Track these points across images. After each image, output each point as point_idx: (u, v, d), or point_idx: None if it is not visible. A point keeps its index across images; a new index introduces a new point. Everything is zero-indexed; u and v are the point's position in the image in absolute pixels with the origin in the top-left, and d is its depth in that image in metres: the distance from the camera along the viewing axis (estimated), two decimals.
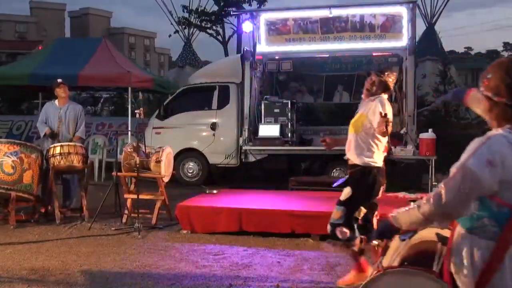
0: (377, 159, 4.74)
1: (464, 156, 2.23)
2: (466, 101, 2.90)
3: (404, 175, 10.97)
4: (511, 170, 2.14)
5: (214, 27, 26.80)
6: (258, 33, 11.45)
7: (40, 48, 16.73)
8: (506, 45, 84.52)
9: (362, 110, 4.82)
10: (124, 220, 7.49)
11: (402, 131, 10.20)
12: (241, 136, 11.08)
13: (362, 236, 4.63)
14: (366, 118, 4.72)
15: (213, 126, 11.51)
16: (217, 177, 11.96)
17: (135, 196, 7.12)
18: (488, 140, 2.20)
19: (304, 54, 11.70)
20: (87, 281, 5.00)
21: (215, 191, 8.46)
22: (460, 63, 53.94)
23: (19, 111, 17.63)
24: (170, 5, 26.06)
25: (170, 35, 26.76)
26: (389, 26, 10.78)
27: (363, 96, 4.90)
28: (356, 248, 4.65)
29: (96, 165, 12.27)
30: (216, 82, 11.76)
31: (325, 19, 11.09)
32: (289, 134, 10.99)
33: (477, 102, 2.58)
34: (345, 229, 4.63)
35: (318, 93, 12.89)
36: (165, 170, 7.57)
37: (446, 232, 2.48)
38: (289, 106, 11.09)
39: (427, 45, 16.98)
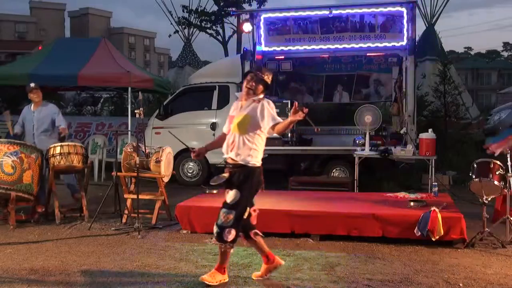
0: (260, 160, 4.91)
1: None
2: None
3: (404, 175, 10.99)
4: None
5: (214, 27, 26.79)
6: (258, 33, 11.46)
7: (39, 48, 16.70)
8: (506, 45, 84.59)
9: (246, 110, 4.86)
10: (124, 220, 7.50)
11: (402, 131, 10.21)
12: None
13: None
14: (251, 119, 4.80)
15: (213, 126, 11.50)
16: None
17: (135, 196, 7.11)
18: None
19: (304, 54, 11.70)
20: (87, 281, 5.00)
21: (215, 191, 8.44)
22: (460, 63, 54.05)
23: (19, 111, 17.57)
24: (170, 5, 26.19)
25: (170, 35, 26.72)
26: (389, 26, 10.78)
27: (242, 94, 4.94)
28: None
29: (96, 165, 12.28)
30: (216, 82, 11.77)
31: (325, 19, 11.09)
32: (289, 134, 10.99)
33: None
34: (233, 231, 4.76)
35: (318, 93, 12.91)
36: (165, 170, 7.57)
37: None
38: (289, 106, 11.08)
39: (427, 45, 16.95)
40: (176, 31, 26.20)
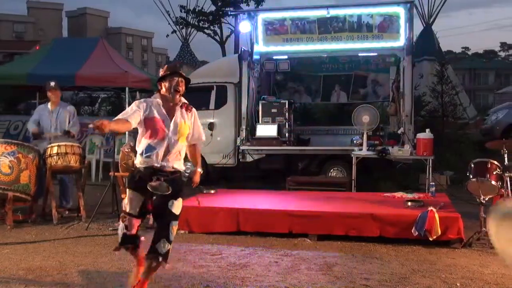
0: None
1: None
2: None
3: (401, 175, 11.00)
4: None
5: (211, 27, 26.79)
6: (255, 33, 11.46)
7: (37, 48, 16.72)
8: (503, 45, 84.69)
9: (183, 118, 4.44)
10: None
11: (399, 131, 10.22)
12: (238, 136, 11.09)
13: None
14: (189, 128, 4.50)
15: (211, 126, 11.50)
16: (215, 177, 11.96)
17: None
18: None
19: (301, 54, 11.72)
20: (84, 281, 5.00)
21: (212, 191, 8.46)
22: (457, 63, 54.12)
23: (16, 111, 17.60)
24: (167, 5, 26.04)
25: (167, 35, 26.78)
26: (387, 26, 10.79)
27: (176, 97, 4.42)
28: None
29: (94, 165, 12.26)
30: (214, 82, 11.76)
31: (322, 19, 11.10)
32: (287, 134, 11.01)
33: None
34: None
35: (315, 93, 12.93)
36: None
37: None
38: (287, 106, 11.10)
39: (424, 45, 16.95)
40: (174, 31, 26.24)
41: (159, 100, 4.40)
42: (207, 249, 6.21)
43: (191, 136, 4.55)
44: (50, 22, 77.33)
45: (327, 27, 11.13)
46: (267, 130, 10.90)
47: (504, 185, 6.44)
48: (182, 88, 4.46)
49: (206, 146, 11.48)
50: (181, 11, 26.00)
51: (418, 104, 13.00)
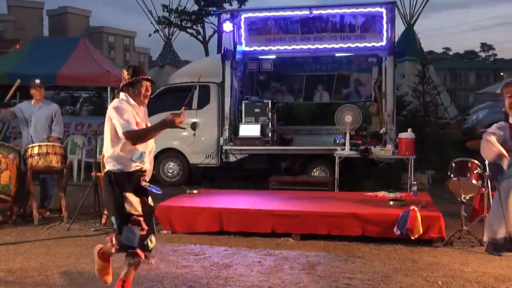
0: None
1: None
2: None
3: (383, 175, 11.07)
4: None
5: (194, 27, 26.71)
6: (238, 33, 11.47)
7: (17, 47, 16.53)
8: (484, 45, 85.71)
9: (148, 121, 4.49)
10: (103, 221, 7.43)
11: (381, 131, 10.28)
12: (221, 136, 11.08)
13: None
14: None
15: (194, 126, 11.47)
16: (198, 177, 11.93)
17: None
18: None
19: (284, 54, 11.73)
20: (66, 283, 4.96)
21: (195, 191, 8.44)
22: (438, 63, 54.65)
23: None
24: (150, 4, 26.00)
25: (150, 35, 26.54)
26: (369, 27, 10.88)
27: (145, 101, 4.45)
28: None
29: (75, 165, 12.16)
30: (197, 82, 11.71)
31: (305, 19, 11.14)
32: (270, 134, 11.03)
33: None
34: None
35: (298, 93, 12.96)
36: None
37: None
38: (270, 106, 11.12)
39: (406, 45, 17.08)
40: (156, 31, 26.06)
41: (135, 103, 4.36)
42: (190, 249, 6.19)
43: None
44: (31, 21, 76.55)
45: (310, 27, 11.18)
46: (250, 130, 10.90)
47: (485, 184, 6.51)
48: (149, 92, 4.48)
49: (188, 146, 11.50)
50: (163, 10, 25.87)
51: (400, 104, 13.09)
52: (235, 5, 24.76)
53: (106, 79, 11.30)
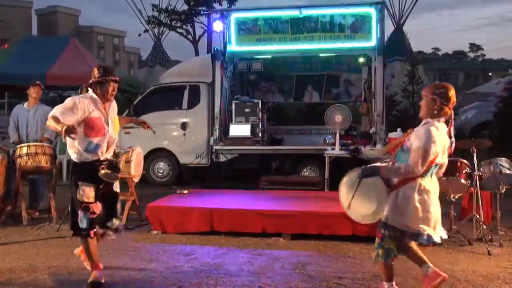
0: None
1: None
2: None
3: None
4: None
5: (184, 26, 26.63)
6: (228, 32, 11.46)
7: (6, 46, 16.41)
8: (472, 46, 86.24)
9: (113, 114, 4.99)
10: None
11: (371, 131, 10.32)
12: (211, 136, 11.07)
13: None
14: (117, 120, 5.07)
15: (184, 126, 11.46)
16: (188, 177, 11.92)
17: None
18: None
19: (274, 54, 11.75)
20: (55, 283, 4.93)
21: (185, 191, 8.42)
22: (428, 63, 54.87)
23: None
24: (139, 4, 25.85)
25: (139, 34, 26.51)
26: (358, 27, 10.91)
27: (111, 99, 4.92)
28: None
29: (65, 165, 12.08)
30: (187, 81, 11.72)
31: (295, 19, 11.16)
32: (260, 134, 11.04)
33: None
34: None
35: (288, 93, 12.97)
36: (135, 170, 7.49)
37: None
38: (260, 105, 11.13)
39: (395, 45, 17.18)
40: (146, 30, 26.03)
41: (98, 99, 4.79)
42: (181, 249, 6.18)
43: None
44: (20, 20, 76.01)
45: (300, 27, 11.19)
46: (240, 129, 10.90)
47: (474, 183, 6.55)
48: (115, 92, 4.89)
49: (179, 146, 11.48)
50: (153, 10, 25.81)
51: (390, 104, 13.15)
52: (225, 4, 24.74)
53: None
